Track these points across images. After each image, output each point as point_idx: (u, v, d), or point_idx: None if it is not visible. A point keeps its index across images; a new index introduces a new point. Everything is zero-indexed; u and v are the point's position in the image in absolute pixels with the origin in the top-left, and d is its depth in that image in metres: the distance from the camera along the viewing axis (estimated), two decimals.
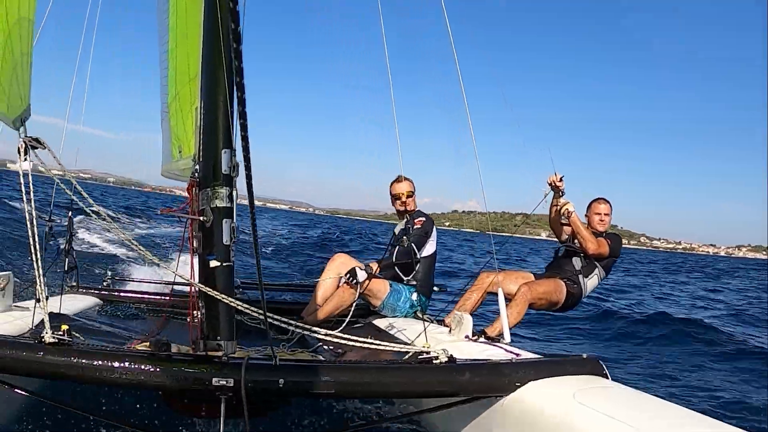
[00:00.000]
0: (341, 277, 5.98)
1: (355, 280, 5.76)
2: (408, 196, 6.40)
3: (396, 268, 6.10)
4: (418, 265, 6.15)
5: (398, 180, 6.43)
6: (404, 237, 6.14)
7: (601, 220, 6.34)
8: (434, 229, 6.37)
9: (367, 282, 5.82)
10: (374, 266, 5.95)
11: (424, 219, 6.29)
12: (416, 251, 6.06)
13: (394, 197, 6.47)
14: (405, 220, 6.36)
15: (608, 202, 6.42)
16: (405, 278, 6.13)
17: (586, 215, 6.46)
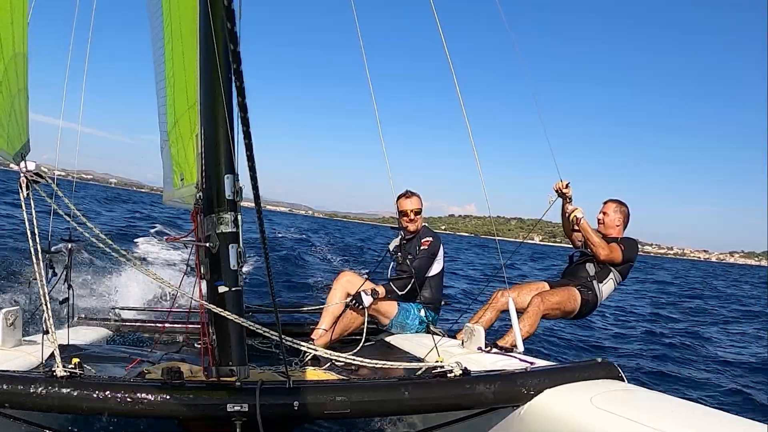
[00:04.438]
0: (349, 295, 5.93)
1: (361, 306, 5.70)
2: (416, 213, 6.26)
3: (396, 289, 5.96)
4: (426, 283, 6.10)
5: (406, 195, 6.30)
6: (399, 255, 6.08)
7: (600, 222, 6.23)
8: (441, 247, 6.24)
9: (374, 304, 5.77)
10: (381, 290, 5.88)
11: (431, 239, 6.15)
12: (415, 273, 5.92)
13: (401, 213, 6.31)
14: (400, 236, 6.28)
15: (617, 202, 6.27)
16: (413, 297, 6.03)
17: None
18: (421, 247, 6.09)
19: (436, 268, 6.18)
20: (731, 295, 28.17)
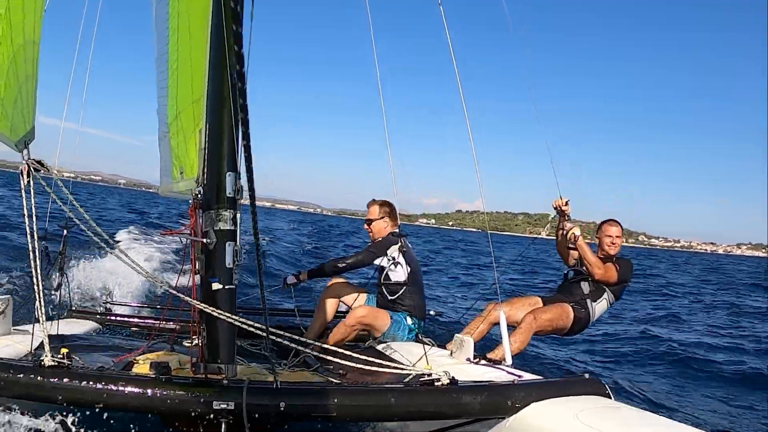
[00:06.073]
0: (340, 302, 5.99)
1: (286, 285, 6.10)
2: (368, 223, 6.22)
3: (384, 290, 5.93)
4: (404, 291, 5.92)
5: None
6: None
7: (612, 243, 6.14)
8: (399, 252, 5.95)
9: (367, 317, 5.70)
10: (303, 276, 6.09)
11: (380, 239, 6.06)
12: (352, 265, 5.98)
13: None
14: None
15: (619, 224, 6.23)
16: (390, 299, 5.91)
17: (596, 236, 6.30)
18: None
19: (400, 275, 5.96)
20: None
